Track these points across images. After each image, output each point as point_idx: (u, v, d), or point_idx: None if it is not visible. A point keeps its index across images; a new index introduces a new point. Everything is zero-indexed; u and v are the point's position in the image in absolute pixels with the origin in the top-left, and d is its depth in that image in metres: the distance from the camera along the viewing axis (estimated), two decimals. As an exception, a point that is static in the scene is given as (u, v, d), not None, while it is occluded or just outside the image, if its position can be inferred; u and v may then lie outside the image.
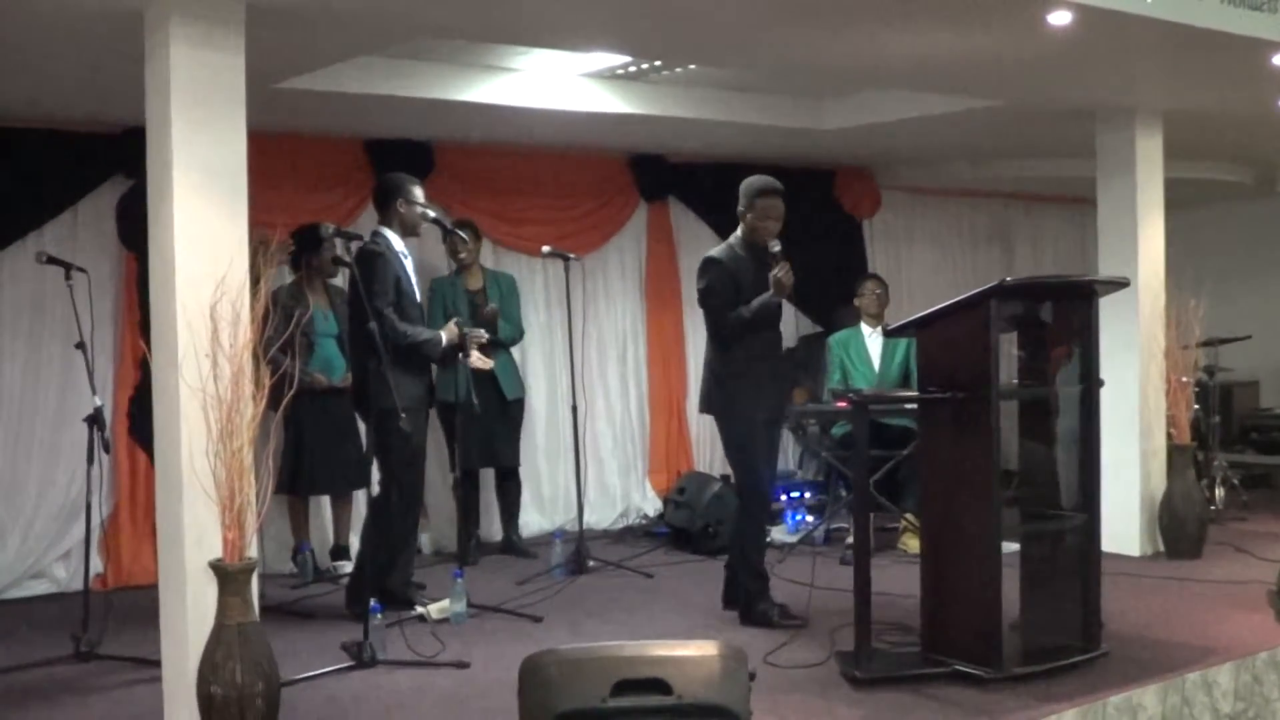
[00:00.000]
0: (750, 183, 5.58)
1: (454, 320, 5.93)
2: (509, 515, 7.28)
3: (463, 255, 7.02)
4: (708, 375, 5.60)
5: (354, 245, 5.39)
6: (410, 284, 5.67)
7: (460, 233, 6.46)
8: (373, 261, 5.53)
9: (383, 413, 5.39)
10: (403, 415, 5.31)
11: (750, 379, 5.45)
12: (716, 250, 5.62)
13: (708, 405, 5.61)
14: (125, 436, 6.58)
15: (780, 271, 5.38)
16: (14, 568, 6.36)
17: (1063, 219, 10.68)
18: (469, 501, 7.03)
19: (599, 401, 8.17)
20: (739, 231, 5.58)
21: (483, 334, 6.05)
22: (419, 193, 5.76)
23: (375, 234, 5.67)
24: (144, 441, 6.41)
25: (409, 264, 5.71)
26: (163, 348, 4.22)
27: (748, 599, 5.48)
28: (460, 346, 5.83)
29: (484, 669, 4.87)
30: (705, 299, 5.54)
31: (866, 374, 7.30)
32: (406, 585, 5.79)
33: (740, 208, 5.56)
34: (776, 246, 5.44)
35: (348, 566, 6.42)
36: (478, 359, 6.13)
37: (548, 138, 7.57)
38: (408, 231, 5.73)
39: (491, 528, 7.42)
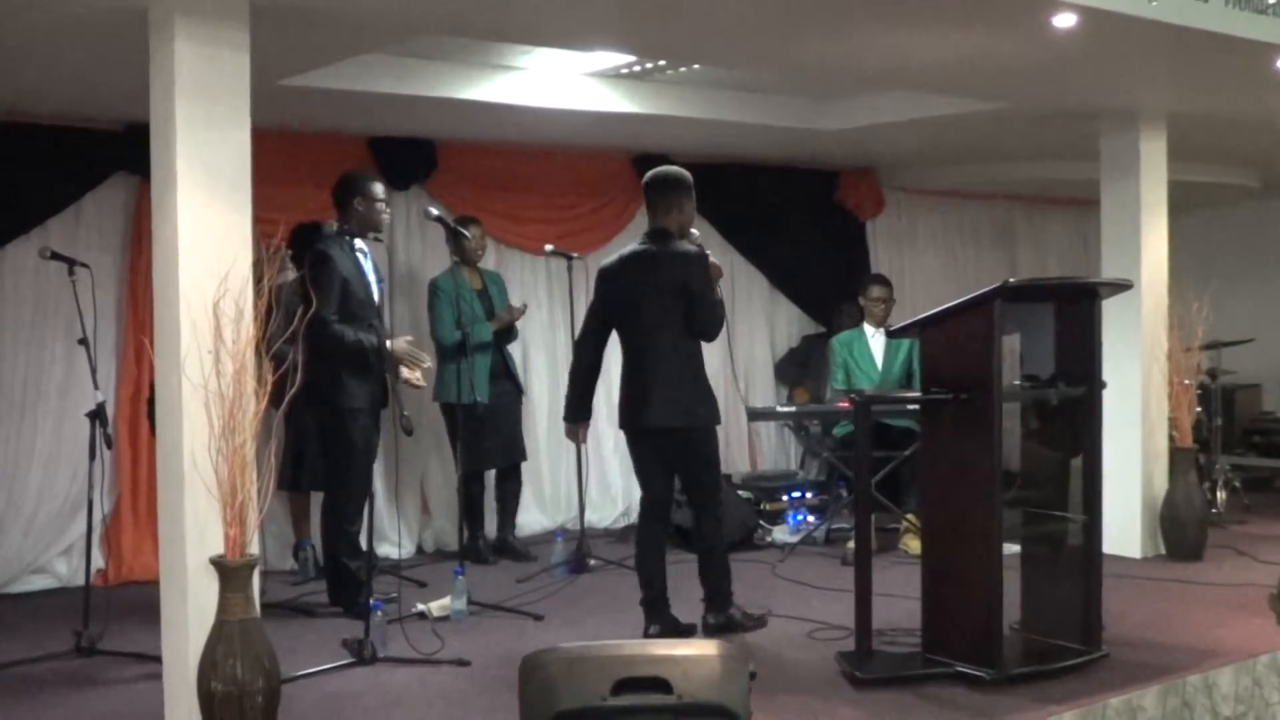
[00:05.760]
0: (681, 174, 5.31)
1: (406, 338, 5.87)
2: (508, 514, 7.24)
3: (479, 252, 7.04)
4: (701, 383, 5.20)
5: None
6: (365, 284, 5.62)
7: (466, 232, 6.47)
8: (319, 264, 5.53)
9: (330, 412, 5.56)
10: (405, 415, 5.34)
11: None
12: (686, 248, 5.20)
13: (708, 416, 5.22)
14: (128, 432, 6.58)
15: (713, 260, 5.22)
16: (15, 562, 6.36)
17: (1066, 221, 10.69)
18: (478, 501, 7.05)
19: (601, 400, 8.13)
20: (664, 225, 5.22)
21: (424, 359, 5.87)
22: (378, 189, 5.73)
23: (330, 234, 5.63)
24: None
25: (366, 262, 5.67)
26: (166, 344, 4.22)
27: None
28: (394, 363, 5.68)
29: (484, 667, 4.87)
30: (713, 294, 5.17)
31: (869, 374, 7.30)
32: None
33: (673, 200, 5.22)
34: (698, 237, 5.27)
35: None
36: (415, 378, 5.90)
37: (551, 136, 7.57)
38: (367, 229, 5.66)
39: (488, 527, 7.42)
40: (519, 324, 7.19)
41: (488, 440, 6.84)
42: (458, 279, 6.88)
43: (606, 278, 5.32)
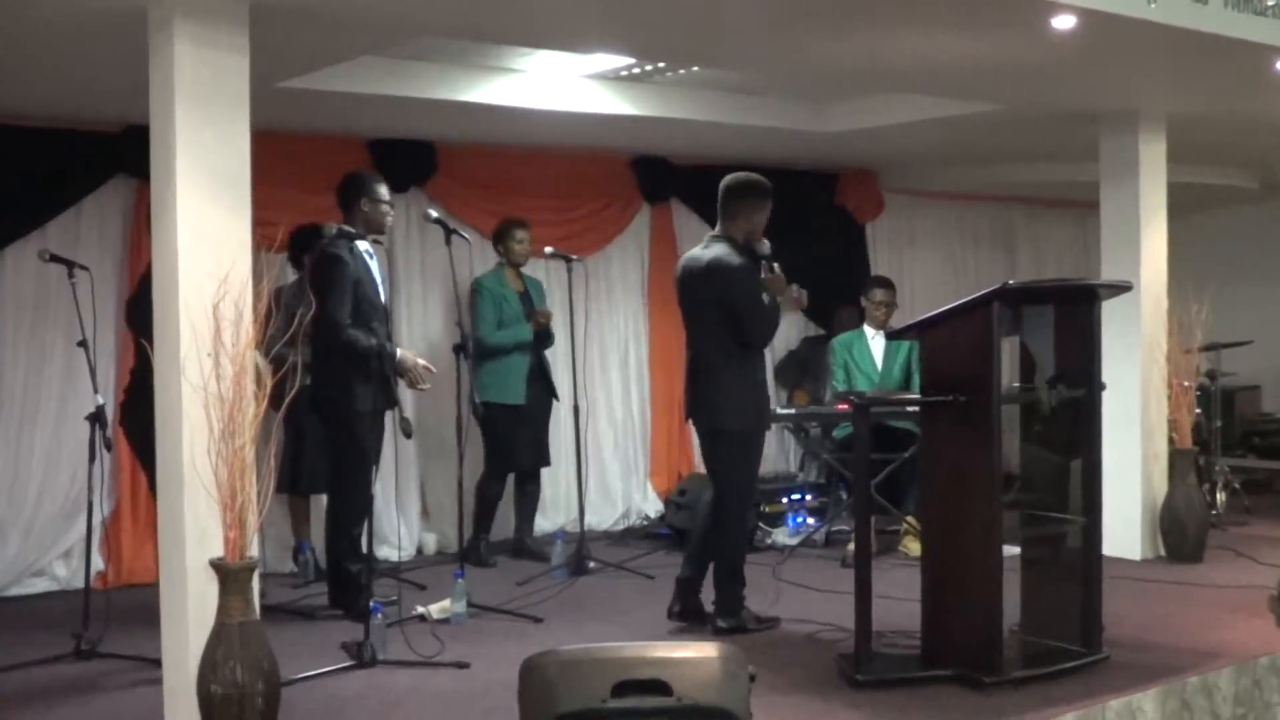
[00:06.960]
0: (754, 181, 5.45)
1: (415, 353, 5.85)
2: (527, 516, 7.25)
3: (526, 255, 7.11)
4: (727, 388, 5.30)
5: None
6: (374, 285, 5.61)
7: (464, 235, 6.46)
8: (332, 266, 5.49)
9: (339, 417, 5.55)
10: (405, 418, 5.34)
11: (760, 384, 5.48)
12: (729, 255, 5.29)
13: (722, 422, 5.34)
14: (127, 435, 6.57)
15: (778, 271, 5.38)
16: (15, 565, 6.36)
17: (1065, 223, 10.69)
18: (493, 504, 7.07)
19: (600, 403, 8.17)
20: (728, 233, 5.37)
21: (426, 383, 5.81)
22: (383, 190, 5.72)
23: (337, 235, 5.58)
24: (134, 440, 6.44)
25: (373, 263, 5.66)
26: (165, 346, 4.22)
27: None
28: (401, 371, 5.66)
29: (484, 669, 4.86)
30: (754, 305, 5.29)
31: (869, 376, 7.30)
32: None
33: (739, 207, 5.37)
34: (768, 248, 5.42)
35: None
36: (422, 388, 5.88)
37: (551, 139, 7.57)
38: (372, 230, 5.66)
39: (496, 528, 7.41)
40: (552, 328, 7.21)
41: (518, 443, 6.87)
42: (501, 280, 6.91)
43: (677, 272, 5.59)
